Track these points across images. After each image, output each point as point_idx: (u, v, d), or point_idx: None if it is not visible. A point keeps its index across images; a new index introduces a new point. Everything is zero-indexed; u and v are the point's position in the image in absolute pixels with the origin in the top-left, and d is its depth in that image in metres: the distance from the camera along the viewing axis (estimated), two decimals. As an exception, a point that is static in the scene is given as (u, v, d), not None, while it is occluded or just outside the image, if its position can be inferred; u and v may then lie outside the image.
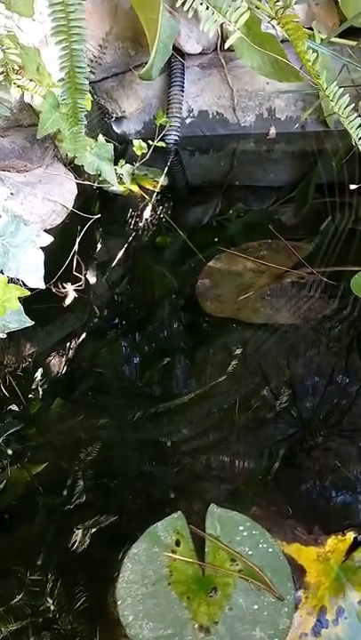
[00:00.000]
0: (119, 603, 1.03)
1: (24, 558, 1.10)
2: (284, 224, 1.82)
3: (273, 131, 2.11)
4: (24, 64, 1.45)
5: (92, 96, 1.84)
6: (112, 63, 1.93)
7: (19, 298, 1.24)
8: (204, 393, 1.35)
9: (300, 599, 1.02)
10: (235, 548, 1.08)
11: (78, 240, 1.64)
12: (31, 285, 1.32)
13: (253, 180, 2.11)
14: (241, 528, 1.10)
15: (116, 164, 1.74)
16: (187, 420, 1.31)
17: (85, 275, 1.63)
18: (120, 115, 2.07)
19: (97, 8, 1.80)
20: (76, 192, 1.63)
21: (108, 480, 1.21)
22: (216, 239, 1.77)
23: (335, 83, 1.55)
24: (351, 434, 1.27)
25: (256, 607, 1.02)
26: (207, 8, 1.50)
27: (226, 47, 1.61)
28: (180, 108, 2.00)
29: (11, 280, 1.27)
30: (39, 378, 1.41)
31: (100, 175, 1.65)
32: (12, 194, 1.43)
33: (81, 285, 1.59)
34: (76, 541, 1.10)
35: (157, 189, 1.93)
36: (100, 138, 1.65)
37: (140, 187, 1.93)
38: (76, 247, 1.62)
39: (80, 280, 1.60)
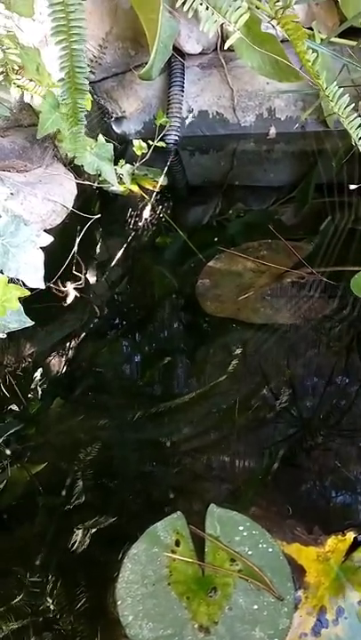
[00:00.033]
0: (119, 603, 1.03)
1: (24, 558, 1.10)
2: (284, 224, 1.82)
3: (273, 131, 2.11)
4: (24, 64, 1.45)
5: (92, 96, 1.84)
6: (112, 63, 1.93)
7: (19, 298, 1.24)
8: (204, 393, 1.35)
9: (299, 599, 1.02)
10: (234, 548, 1.08)
11: (78, 240, 1.64)
12: (31, 285, 1.32)
13: (253, 179, 2.11)
14: (241, 528, 1.10)
15: (116, 164, 1.74)
16: (186, 420, 1.31)
17: (85, 274, 1.64)
18: (120, 115, 2.07)
19: (97, 8, 1.80)
20: (75, 192, 1.63)
21: (107, 480, 1.22)
22: (216, 239, 1.77)
23: (335, 83, 1.55)
24: (351, 434, 1.27)
25: (256, 607, 1.01)
26: (207, 8, 1.50)
27: (226, 47, 1.61)
28: (180, 108, 2.00)
29: (11, 280, 1.27)
30: (39, 378, 1.41)
31: (100, 175, 1.65)
32: (11, 194, 1.43)
33: (81, 284, 1.59)
34: (75, 541, 1.10)
35: (157, 189, 1.93)
36: (100, 138, 1.65)
37: (140, 187, 1.93)
38: (75, 247, 1.62)
39: (80, 279, 1.60)
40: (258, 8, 1.64)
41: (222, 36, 1.94)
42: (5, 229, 1.30)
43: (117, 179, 1.76)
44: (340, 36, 1.87)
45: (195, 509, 1.14)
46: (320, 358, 1.43)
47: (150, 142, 1.85)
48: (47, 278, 1.38)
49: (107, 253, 1.77)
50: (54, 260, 1.48)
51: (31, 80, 1.48)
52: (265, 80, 1.96)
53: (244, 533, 1.09)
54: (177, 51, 1.93)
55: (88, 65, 1.47)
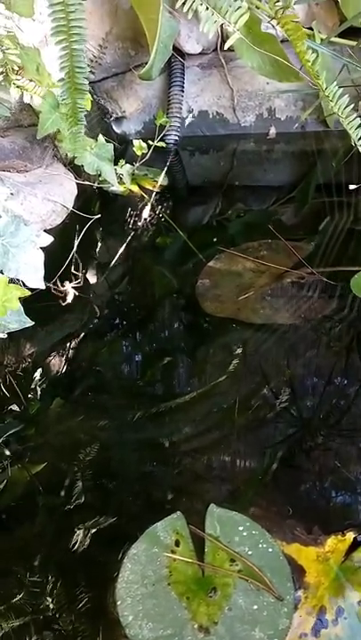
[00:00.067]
0: (119, 603, 1.03)
1: (24, 558, 1.10)
2: (284, 224, 1.82)
3: (273, 131, 2.11)
4: (24, 64, 1.45)
5: (92, 96, 1.85)
6: (112, 63, 1.93)
7: (19, 298, 1.24)
8: (204, 393, 1.35)
9: (299, 599, 1.03)
10: (234, 549, 1.08)
11: (78, 240, 1.64)
12: (31, 285, 1.32)
13: (253, 179, 2.11)
14: (241, 528, 1.10)
15: (116, 164, 1.74)
16: (186, 420, 1.31)
17: (84, 273, 1.63)
18: (120, 115, 2.07)
19: (97, 8, 1.80)
20: (75, 192, 1.63)
21: (107, 480, 1.22)
22: (216, 239, 1.77)
23: (335, 83, 1.55)
24: (351, 434, 1.27)
25: (256, 607, 1.02)
26: (207, 9, 1.50)
27: (226, 48, 1.61)
28: (180, 108, 2.00)
29: (11, 280, 1.27)
30: (39, 378, 1.41)
31: (100, 175, 1.65)
32: (12, 194, 1.43)
33: (79, 283, 1.59)
34: (75, 541, 1.10)
35: (157, 189, 1.93)
36: (100, 138, 1.65)
37: (140, 187, 1.93)
38: (75, 247, 1.62)
39: (79, 278, 1.59)
40: (258, 8, 1.64)
41: (222, 36, 1.94)
42: (5, 229, 1.31)
43: (117, 179, 1.76)
44: (341, 36, 1.87)
45: (195, 509, 1.14)
46: (320, 358, 1.43)
47: (150, 142, 1.85)
48: (47, 278, 1.38)
49: (107, 253, 1.77)
50: (54, 260, 1.48)
51: (31, 80, 1.48)
52: (265, 80, 1.96)
53: (244, 533, 1.09)
54: (177, 51, 1.93)
55: (88, 65, 1.47)
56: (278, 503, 1.15)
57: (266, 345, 1.46)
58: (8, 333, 1.31)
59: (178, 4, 1.56)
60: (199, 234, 1.81)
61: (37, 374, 1.42)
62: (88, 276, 1.68)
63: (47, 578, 1.06)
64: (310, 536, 1.09)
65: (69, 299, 1.56)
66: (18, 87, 1.47)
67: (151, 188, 1.93)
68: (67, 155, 1.67)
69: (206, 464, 1.23)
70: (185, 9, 1.54)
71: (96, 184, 1.75)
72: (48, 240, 1.39)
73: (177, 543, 1.09)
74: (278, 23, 1.52)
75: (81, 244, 1.64)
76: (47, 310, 1.53)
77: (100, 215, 1.71)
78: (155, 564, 1.07)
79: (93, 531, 1.12)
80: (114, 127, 2.11)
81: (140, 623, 1.01)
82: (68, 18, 1.15)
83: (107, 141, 1.66)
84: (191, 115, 2.09)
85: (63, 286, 1.56)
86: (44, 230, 1.45)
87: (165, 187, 1.97)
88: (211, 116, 2.10)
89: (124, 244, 1.77)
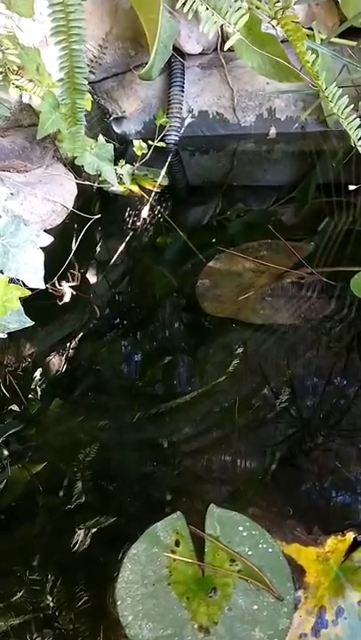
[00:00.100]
0: (119, 603, 1.03)
1: (24, 558, 1.10)
2: (284, 224, 1.82)
3: (273, 131, 2.11)
4: (24, 64, 1.45)
5: (92, 96, 1.85)
6: (112, 63, 1.93)
7: (19, 298, 1.24)
8: (204, 393, 1.35)
9: (299, 599, 1.03)
10: (234, 549, 1.08)
11: (78, 240, 1.64)
12: (31, 285, 1.32)
13: (253, 180, 2.11)
14: (240, 528, 1.10)
15: (116, 164, 1.74)
16: (186, 420, 1.31)
17: (83, 273, 1.63)
18: (120, 115, 2.07)
19: (97, 8, 1.80)
20: (75, 192, 1.63)
21: (107, 480, 1.22)
22: (216, 239, 1.77)
23: (334, 83, 1.55)
24: (351, 434, 1.27)
25: (256, 607, 1.02)
26: (207, 9, 1.50)
27: (226, 49, 1.61)
28: (181, 109, 2.00)
29: (11, 280, 1.28)
30: (39, 378, 1.41)
31: (100, 175, 1.65)
32: (12, 194, 1.43)
33: (76, 283, 1.59)
34: (75, 541, 1.10)
35: (157, 189, 1.93)
36: (100, 138, 1.65)
37: (140, 187, 1.93)
38: (74, 247, 1.62)
39: (76, 278, 1.59)
40: (258, 8, 1.64)
41: (222, 36, 1.94)
42: (5, 229, 1.31)
43: (117, 179, 1.76)
44: (341, 36, 1.87)
45: (195, 509, 1.14)
46: (320, 358, 1.43)
47: (150, 142, 1.85)
48: (47, 278, 1.38)
49: (107, 253, 1.77)
50: (54, 260, 1.48)
51: (30, 80, 1.48)
52: (265, 80, 1.96)
53: (244, 533, 1.09)
54: (177, 51, 1.93)
55: (88, 65, 1.47)
56: (278, 503, 1.15)
57: (266, 345, 1.47)
58: (8, 333, 1.31)
59: (178, 5, 1.56)
60: (199, 234, 1.81)
61: (37, 374, 1.42)
62: (88, 275, 1.68)
63: (47, 578, 1.07)
64: (310, 536, 1.09)
65: (66, 298, 1.56)
66: (17, 87, 1.47)
67: (151, 188, 1.93)
68: (67, 155, 1.67)
69: (206, 464, 1.23)
70: (185, 9, 1.54)
71: (96, 184, 1.76)
72: (48, 240, 1.39)
73: (177, 543, 1.09)
74: (278, 23, 1.52)
75: (81, 244, 1.64)
76: (47, 310, 1.53)
77: (100, 215, 1.72)
78: (155, 564, 1.07)
79: (93, 531, 1.12)
80: (114, 127, 2.11)
81: (140, 623, 1.01)
82: (68, 18, 1.15)
83: (107, 141, 1.66)
84: (191, 115, 2.09)
85: (60, 286, 1.56)
86: (44, 230, 1.45)
87: (165, 187, 1.97)
88: (211, 116, 2.10)
89: (124, 244, 1.77)
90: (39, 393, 1.38)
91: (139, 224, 1.85)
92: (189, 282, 1.64)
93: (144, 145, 1.83)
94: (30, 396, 1.37)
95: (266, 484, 1.18)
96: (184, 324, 1.59)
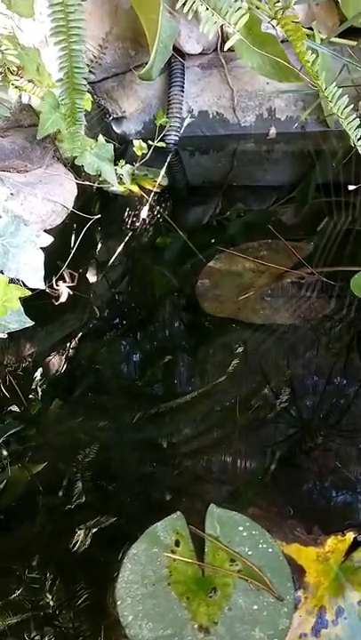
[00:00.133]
0: (119, 603, 1.03)
1: (24, 558, 1.10)
2: (284, 224, 1.82)
3: (273, 131, 2.11)
4: (24, 64, 1.45)
5: (93, 96, 1.85)
6: (112, 63, 1.93)
7: (19, 298, 1.24)
8: (204, 393, 1.35)
9: (299, 599, 1.03)
10: (234, 549, 1.08)
11: (78, 240, 1.64)
12: (31, 286, 1.32)
13: (253, 180, 2.11)
14: (240, 528, 1.10)
15: (116, 164, 1.74)
16: (186, 420, 1.31)
17: (82, 273, 1.63)
18: (120, 115, 2.08)
19: (97, 8, 1.80)
20: (75, 192, 1.63)
21: (107, 480, 1.22)
22: (216, 239, 1.77)
23: (334, 83, 1.55)
24: (351, 434, 1.27)
25: (255, 607, 1.02)
26: (207, 9, 1.50)
27: (226, 49, 1.61)
28: (181, 109, 2.01)
29: (11, 280, 1.28)
30: (39, 378, 1.41)
31: (100, 175, 1.65)
32: (12, 194, 1.43)
33: (73, 283, 1.58)
34: (75, 541, 1.10)
35: (157, 189, 1.93)
36: (100, 138, 1.65)
37: (140, 187, 1.93)
38: (73, 247, 1.62)
39: (74, 278, 1.59)
40: (258, 8, 1.64)
41: (222, 36, 1.94)
42: (5, 230, 1.31)
43: (117, 179, 1.76)
44: (341, 36, 1.87)
45: (195, 509, 1.14)
46: (320, 358, 1.43)
47: (150, 142, 1.85)
48: (47, 278, 1.38)
49: (107, 253, 1.77)
50: (54, 259, 1.48)
51: (30, 81, 1.48)
52: (265, 80, 1.96)
53: (244, 533, 1.09)
54: (177, 51, 1.93)
55: (88, 65, 1.47)
56: (278, 503, 1.15)
57: (266, 345, 1.47)
58: (8, 333, 1.31)
59: (178, 5, 1.56)
60: (199, 234, 1.81)
61: (37, 374, 1.42)
62: (88, 275, 1.68)
63: (47, 578, 1.07)
64: (310, 536, 1.09)
65: (63, 298, 1.56)
66: (16, 88, 1.47)
67: (151, 188, 1.93)
68: (67, 155, 1.67)
69: (206, 464, 1.23)
70: (185, 9, 1.55)
71: (96, 184, 1.76)
72: (48, 240, 1.39)
73: (177, 543, 1.09)
74: (278, 24, 1.52)
75: (81, 244, 1.64)
76: (47, 310, 1.53)
77: (99, 215, 1.71)
78: (155, 564, 1.07)
79: (93, 531, 1.12)
80: (114, 127, 2.11)
81: (140, 623, 1.01)
82: (68, 18, 1.15)
83: (107, 141, 1.66)
84: (191, 115, 2.09)
85: (57, 286, 1.56)
86: (44, 230, 1.45)
87: (165, 187, 1.97)
88: (211, 116, 2.10)
89: (124, 244, 1.77)
90: (39, 393, 1.38)
91: (139, 224, 1.85)
92: (189, 282, 1.64)
93: (144, 145, 1.83)
94: (30, 396, 1.37)
95: (266, 484, 1.18)
96: (184, 324, 1.59)
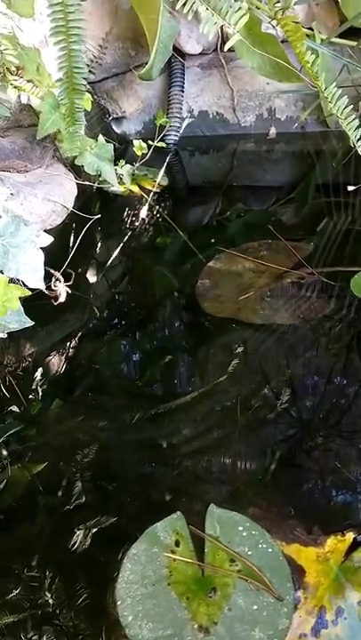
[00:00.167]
0: (119, 603, 1.03)
1: (24, 558, 1.10)
2: (284, 224, 1.82)
3: (273, 131, 2.11)
4: (24, 64, 1.45)
5: (93, 96, 1.84)
6: (112, 63, 1.93)
7: (19, 298, 1.24)
8: (204, 393, 1.35)
9: (299, 599, 1.03)
10: (234, 549, 1.08)
11: (78, 240, 1.64)
12: (31, 286, 1.32)
13: (253, 180, 2.11)
14: (240, 528, 1.10)
15: (116, 164, 1.74)
16: (186, 421, 1.31)
17: (81, 273, 1.63)
18: (120, 115, 2.07)
19: (97, 8, 1.80)
20: (75, 192, 1.63)
21: (107, 480, 1.22)
22: (216, 239, 1.77)
23: (334, 84, 1.55)
24: (351, 434, 1.27)
25: (255, 607, 1.02)
26: (207, 9, 1.50)
27: (226, 49, 1.61)
28: (181, 109, 2.01)
29: (11, 280, 1.28)
30: (39, 378, 1.41)
31: (100, 175, 1.65)
32: (12, 194, 1.43)
33: (71, 283, 1.58)
34: (75, 542, 1.10)
35: (157, 189, 1.93)
36: (100, 138, 1.65)
37: (140, 187, 1.93)
38: (73, 247, 1.62)
39: (71, 278, 1.59)
40: (258, 8, 1.64)
41: (222, 36, 1.94)
42: (5, 230, 1.31)
43: (117, 179, 1.76)
44: (341, 36, 1.87)
45: (195, 510, 1.14)
46: (320, 358, 1.43)
47: (150, 142, 1.85)
48: (47, 278, 1.38)
49: (107, 253, 1.77)
50: (54, 260, 1.48)
51: (30, 81, 1.48)
52: (265, 80, 1.96)
53: (244, 534, 1.09)
54: (177, 51, 1.93)
55: (88, 65, 1.47)
56: (278, 503, 1.15)
57: (266, 345, 1.47)
58: (8, 333, 1.31)
59: (178, 5, 1.56)
60: (199, 234, 1.81)
61: (37, 374, 1.42)
62: (88, 275, 1.68)
63: (47, 578, 1.07)
64: (310, 536, 1.09)
65: (62, 299, 1.55)
66: (15, 88, 1.47)
67: (151, 189, 1.93)
68: (67, 155, 1.66)
69: (206, 464, 1.23)
70: (185, 10, 1.55)
71: (96, 184, 1.75)
72: (48, 240, 1.39)
73: (177, 543, 1.09)
74: (278, 24, 1.52)
75: (81, 244, 1.64)
76: (47, 310, 1.53)
77: (100, 215, 1.71)
78: (155, 564, 1.07)
79: (93, 531, 1.12)
80: (114, 127, 2.11)
81: (140, 623, 1.01)
82: (67, 18, 1.16)
83: (107, 141, 1.66)
84: (191, 115, 2.09)
85: (56, 286, 1.56)
86: (44, 230, 1.45)
87: (165, 187, 1.97)
88: (211, 116, 2.10)
89: (124, 244, 1.77)
90: (39, 393, 1.38)
91: (138, 224, 1.85)
92: (189, 282, 1.64)
93: (144, 145, 1.83)
94: (30, 396, 1.37)
95: (266, 484, 1.18)
96: (184, 324, 1.59)
